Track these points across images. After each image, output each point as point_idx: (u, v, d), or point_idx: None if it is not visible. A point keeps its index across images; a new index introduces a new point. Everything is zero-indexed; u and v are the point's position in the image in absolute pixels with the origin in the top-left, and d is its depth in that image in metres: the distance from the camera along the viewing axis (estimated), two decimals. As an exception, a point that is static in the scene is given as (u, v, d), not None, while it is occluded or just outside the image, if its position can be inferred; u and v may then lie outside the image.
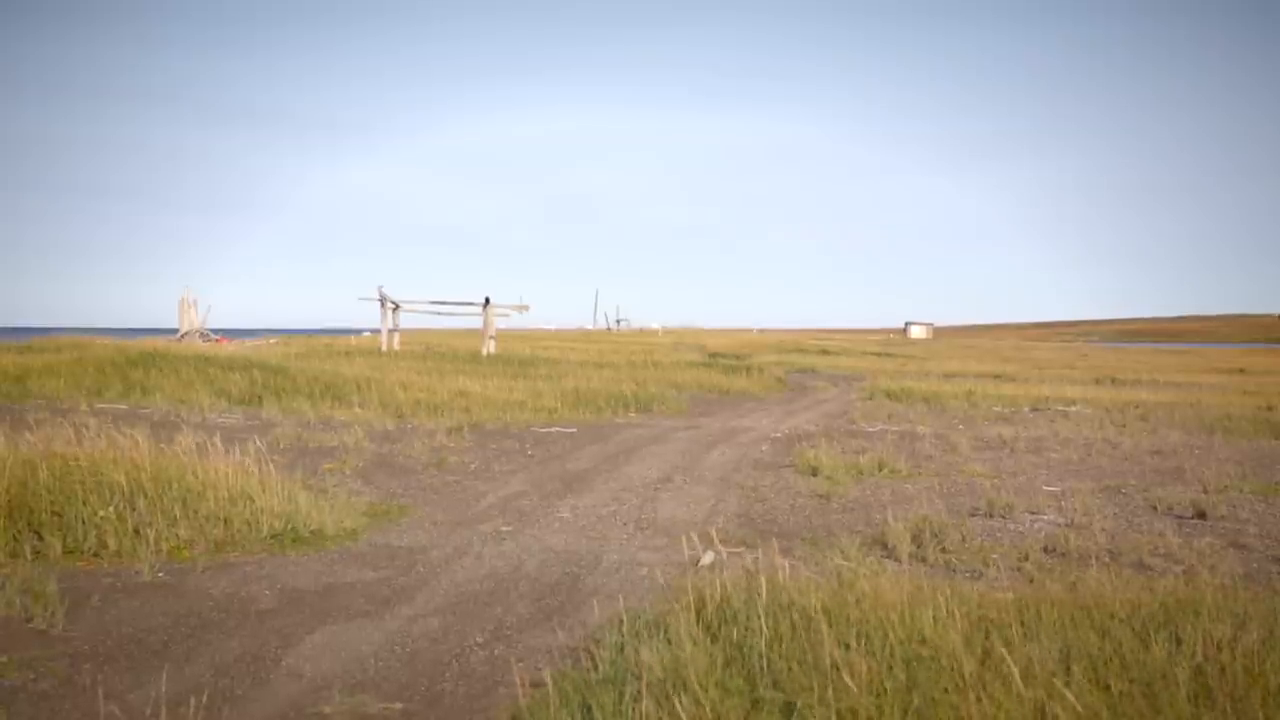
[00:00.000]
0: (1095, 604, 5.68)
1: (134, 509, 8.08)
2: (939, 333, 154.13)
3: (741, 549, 8.45)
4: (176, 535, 8.10)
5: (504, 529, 9.51)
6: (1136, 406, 23.08)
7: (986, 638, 4.82)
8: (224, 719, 4.95)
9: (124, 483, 8.21)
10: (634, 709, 4.45)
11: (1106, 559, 8.14)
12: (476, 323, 39.67)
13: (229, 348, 32.75)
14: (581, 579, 7.77)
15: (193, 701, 4.84)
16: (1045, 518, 10.16)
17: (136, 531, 7.95)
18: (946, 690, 4.38)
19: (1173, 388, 31.60)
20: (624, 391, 22.85)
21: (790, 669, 4.72)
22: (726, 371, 32.49)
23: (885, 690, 4.39)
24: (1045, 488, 12.00)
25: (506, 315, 40.85)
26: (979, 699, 4.27)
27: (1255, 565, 8.38)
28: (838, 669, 4.51)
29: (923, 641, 4.85)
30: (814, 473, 12.90)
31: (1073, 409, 23.04)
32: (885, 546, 8.60)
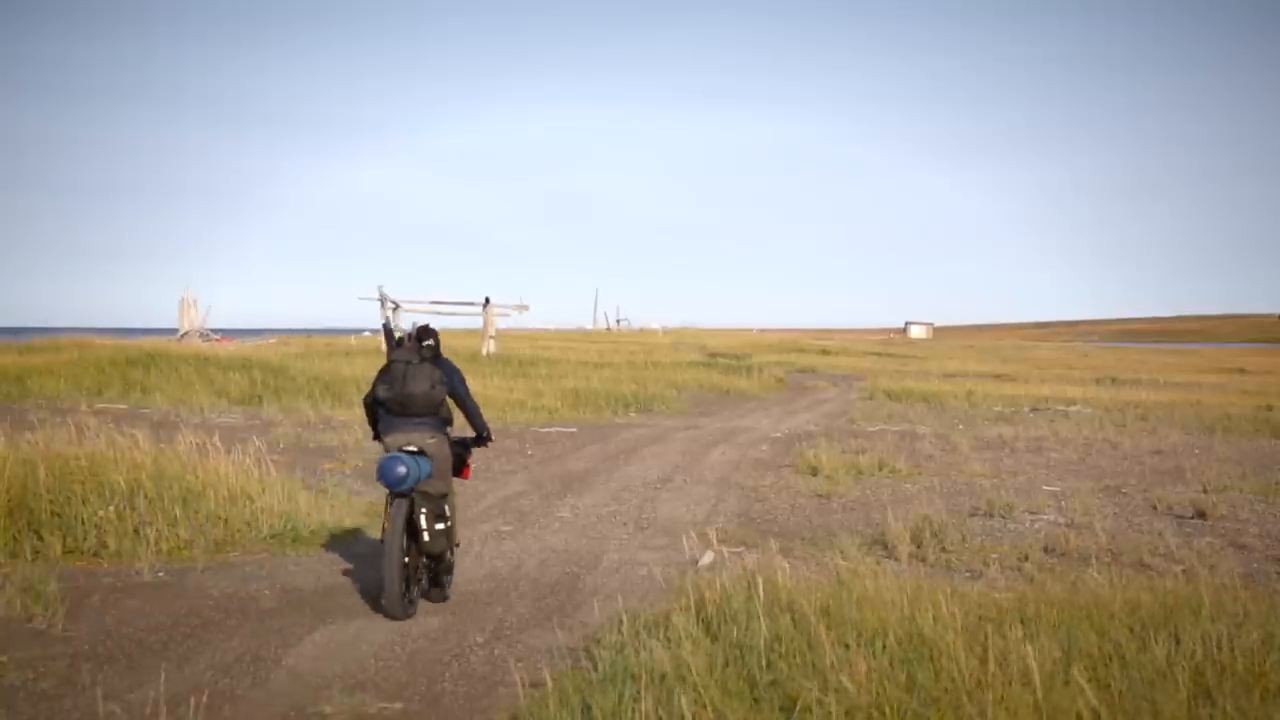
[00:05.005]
0: (1095, 604, 5.68)
1: (134, 509, 8.07)
2: (939, 333, 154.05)
3: (741, 549, 8.46)
4: (176, 535, 8.10)
5: (504, 529, 9.51)
6: (1136, 406, 23.07)
7: (986, 638, 4.81)
8: (224, 719, 4.95)
9: (124, 483, 8.20)
10: (634, 709, 4.45)
11: (1106, 559, 8.13)
12: (476, 323, 39.63)
13: (229, 348, 32.71)
14: (581, 579, 7.77)
15: (193, 701, 4.84)
16: (1045, 517, 10.16)
17: (136, 531, 7.95)
18: (946, 690, 4.38)
19: (1172, 388, 31.60)
20: (624, 391, 22.85)
21: (790, 669, 4.72)
22: (726, 371, 32.49)
23: (885, 690, 4.38)
24: (1045, 487, 12.00)
25: (506, 315, 40.83)
26: (979, 699, 4.27)
27: (1255, 565, 8.38)
28: (837, 669, 4.51)
29: (923, 641, 4.85)
30: (814, 472, 12.89)
31: (1073, 409, 23.03)
32: (885, 546, 8.60)
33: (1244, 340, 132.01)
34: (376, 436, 6.93)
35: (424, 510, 6.60)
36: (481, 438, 7.21)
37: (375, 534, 9.09)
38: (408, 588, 6.52)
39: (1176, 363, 53.58)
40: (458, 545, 7.18)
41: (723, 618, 5.50)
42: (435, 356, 6.83)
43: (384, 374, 6.76)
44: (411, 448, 6.61)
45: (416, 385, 6.65)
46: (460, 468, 7.09)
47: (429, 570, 6.85)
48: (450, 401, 6.95)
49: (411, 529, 6.57)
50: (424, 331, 6.89)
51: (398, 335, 6.95)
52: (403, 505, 6.49)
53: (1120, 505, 11.05)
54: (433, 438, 6.72)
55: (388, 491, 6.55)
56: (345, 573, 7.75)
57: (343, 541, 8.70)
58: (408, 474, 6.41)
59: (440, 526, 6.71)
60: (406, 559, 6.50)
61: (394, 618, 6.46)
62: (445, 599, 6.98)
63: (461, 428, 7.23)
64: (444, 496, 6.81)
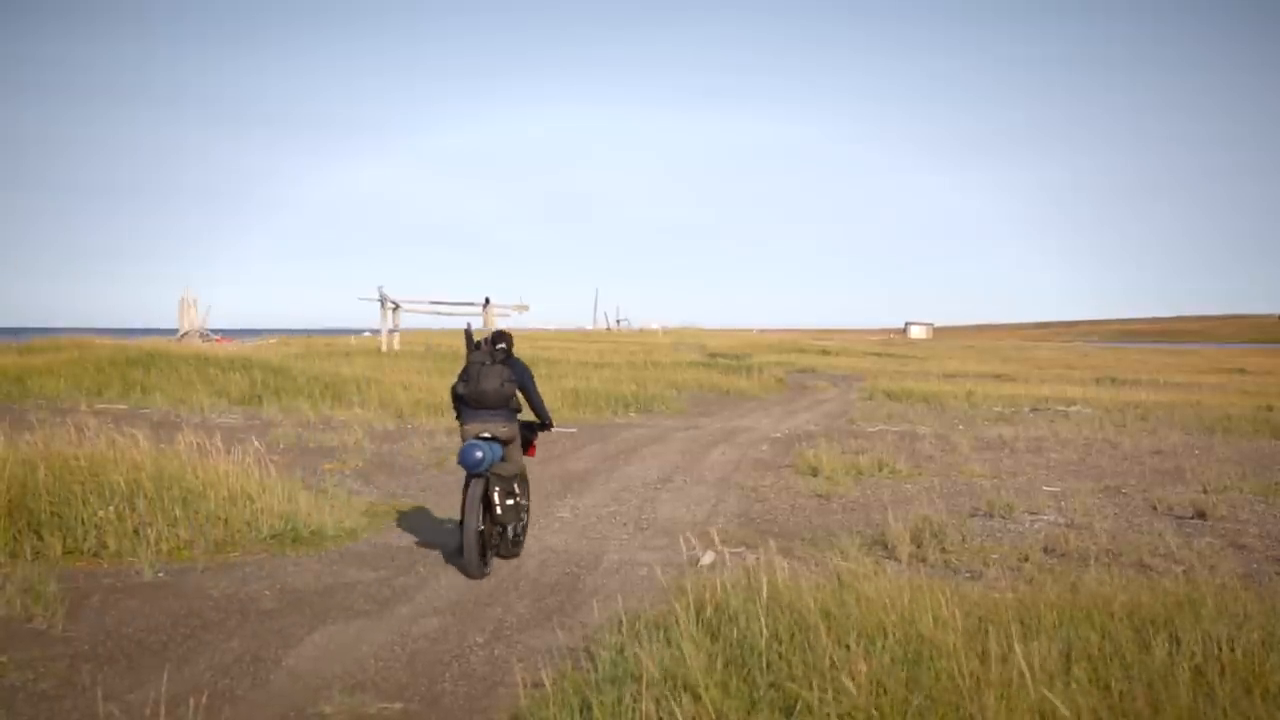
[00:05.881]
0: (1095, 604, 5.68)
1: (134, 509, 8.07)
2: (939, 333, 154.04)
3: (742, 549, 8.45)
4: (176, 535, 8.10)
5: (504, 529, 9.50)
6: (1136, 406, 23.07)
7: (986, 638, 4.81)
8: (224, 719, 4.95)
9: (124, 483, 8.20)
10: (634, 709, 4.45)
11: (1106, 559, 8.13)
12: (476, 323, 39.67)
13: (229, 348, 32.68)
14: (581, 579, 7.77)
15: (192, 702, 4.84)
16: (1045, 518, 10.16)
17: (136, 532, 7.95)
18: (946, 690, 4.38)
19: (1173, 388, 31.60)
20: (624, 391, 22.85)
21: (790, 669, 4.71)
22: (726, 371, 32.49)
23: (885, 690, 4.38)
24: (1045, 488, 12.00)
25: (506, 315, 40.88)
26: (979, 699, 4.26)
27: (1255, 565, 8.38)
28: (837, 669, 4.51)
29: (923, 642, 4.85)
30: (814, 473, 12.89)
31: (1073, 409, 23.03)
32: (885, 546, 8.59)
33: (1244, 340, 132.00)
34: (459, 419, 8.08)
35: (497, 488, 7.80)
36: (545, 424, 8.37)
37: (375, 535, 9.11)
38: (483, 552, 7.70)
39: (1176, 363, 53.57)
40: (528, 509, 8.51)
41: (723, 618, 5.49)
42: (507, 358, 8.02)
43: (464, 373, 7.92)
44: (486, 435, 7.81)
45: (489, 383, 7.81)
46: (526, 448, 8.30)
47: (499, 537, 7.97)
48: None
49: (486, 503, 7.73)
50: (498, 336, 8.12)
51: (476, 338, 8.12)
52: (479, 484, 7.69)
53: (1120, 505, 11.04)
54: (504, 426, 7.89)
55: (466, 472, 7.74)
56: (345, 573, 7.75)
57: (342, 541, 8.70)
58: (483, 458, 7.62)
59: (510, 502, 7.95)
60: (482, 528, 7.65)
61: (471, 577, 7.59)
62: (516, 555, 8.26)
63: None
64: (514, 477, 8.04)
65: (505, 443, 7.88)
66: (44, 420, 11.45)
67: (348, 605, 6.90)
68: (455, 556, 7.95)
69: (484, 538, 7.72)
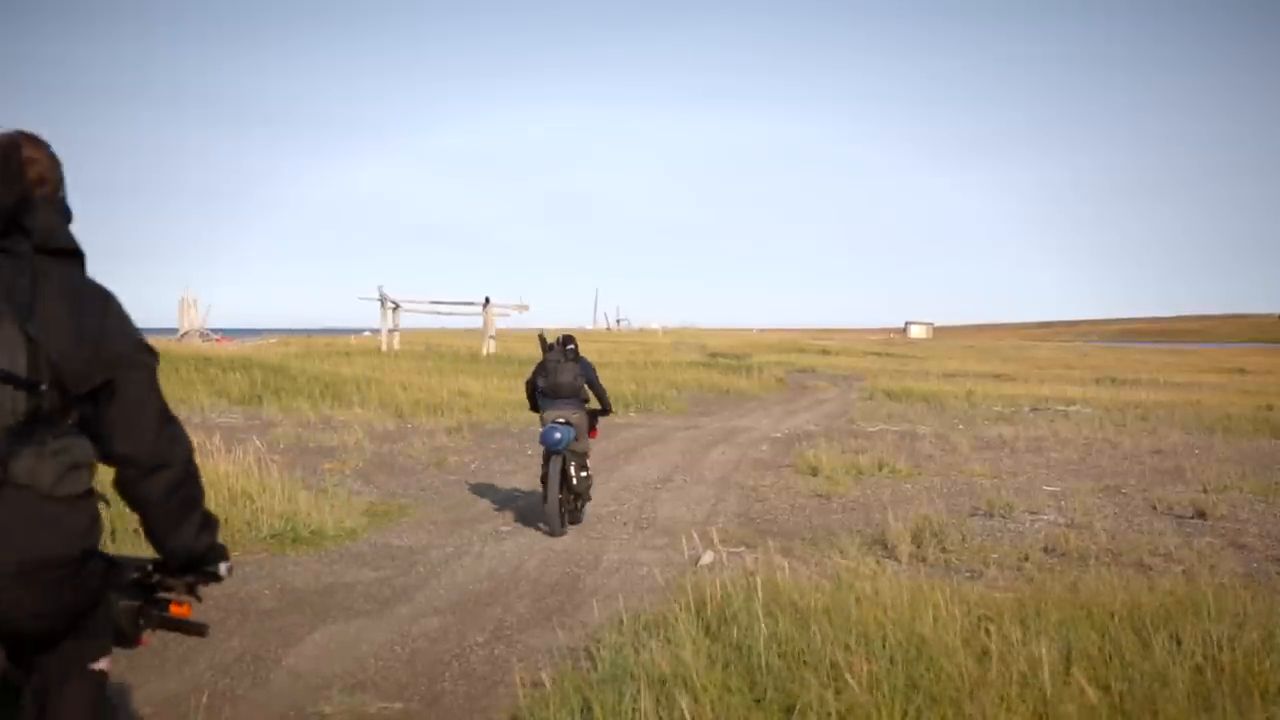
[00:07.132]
0: (1095, 604, 5.68)
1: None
2: (939, 332, 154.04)
3: (741, 549, 8.46)
4: (176, 535, 8.09)
5: (503, 529, 9.51)
6: (1136, 406, 23.07)
7: (986, 638, 4.81)
8: (224, 719, 4.95)
9: (124, 482, 8.18)
10: (634, 709, 4.45)
11: (1106, 559, 8.13)
12: (476, 322, 39.68)
13: (229, 347, 32.66)
14: (581, 579, 7.77)
15: (192, 701, 4.83)
16: (1045, 517, 10.16)
17: (136, 531, 7.93)
18: (946, 690, 4.38)
19: (1173, 387, 31.60)
20: (624, 391, 22.83)
21: (790, 669, 4.71)
22: (726, 371, 32.48)
23: (885, 690, 4.38)
24: (1045, 487, 12.00)
25: (506, 315, 40.84)
26: (979, 699, 4.26)
27: (1255, 565, 8.38)
28: (838, 669, 4.51)
29: (923, 641, 4.85)
30: (814, 472, 12.89)
31: (1073, 409, 23.03)
32: (885, 546, 8.59)
33: (1244, 340, 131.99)
34: (533, 409, 9.71)
35: (573, 463, 9.37)
36: (606, 411, 9.91)
37: (375, 534, 9.12)
38: (563, 516, 9.22)
39: (1176, 363, 53.59)
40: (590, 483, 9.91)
41: (723, 618, 5.49)
42: (576, 356, 9.57)
43: (541, 368, 9.53)
44: (561, 419, 9.26)
45: (563, 376, 9.42)
46: (590, 431, 9.73)
47: (572, 504, 9.52)
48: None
49: (563, 475, 9.22)
50: (567, 339, 9.67)
51: (548, 340, 9.67)
52: (558, 460, 9.18)
53: (1120, 505, 11.05)
54: (576, 413, 9.42)
55: (544, 449, 9.21)
56: (345, 572, 7.75)
57: (343, 541, 8.71)
58: (561, 438, 9.13)
59: (584, 474, 9.57)
60: (560, 496, 9.16)
61: (555, 535, 9.10)
62: (580, 521, 9.72)
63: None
64: (584, 454, 9.61)
65: (576, 426, 9.32)
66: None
67: (348, 605, 6.90)
68: (537, 519, 9.48)
69: (563, 504, 9.22)
